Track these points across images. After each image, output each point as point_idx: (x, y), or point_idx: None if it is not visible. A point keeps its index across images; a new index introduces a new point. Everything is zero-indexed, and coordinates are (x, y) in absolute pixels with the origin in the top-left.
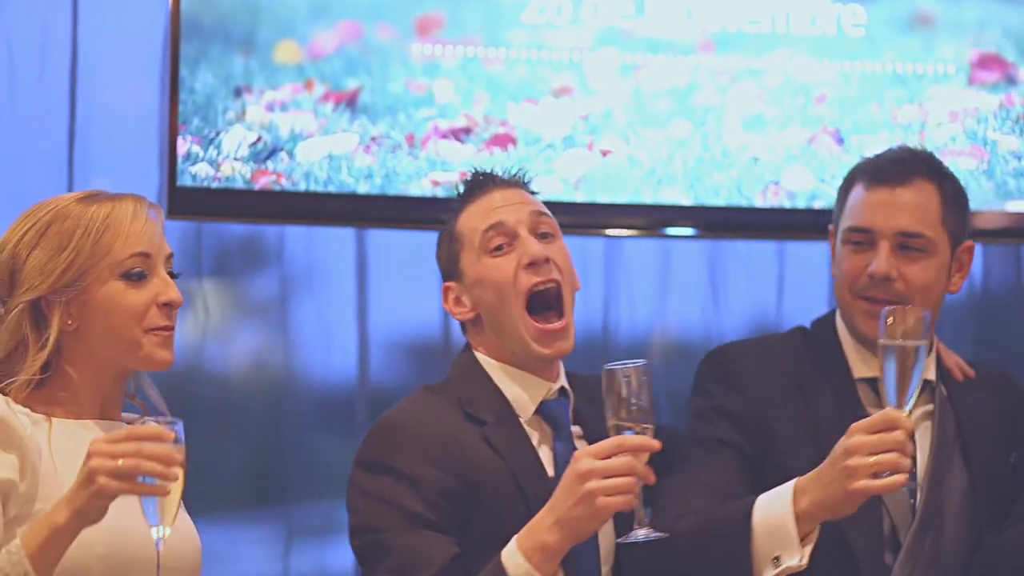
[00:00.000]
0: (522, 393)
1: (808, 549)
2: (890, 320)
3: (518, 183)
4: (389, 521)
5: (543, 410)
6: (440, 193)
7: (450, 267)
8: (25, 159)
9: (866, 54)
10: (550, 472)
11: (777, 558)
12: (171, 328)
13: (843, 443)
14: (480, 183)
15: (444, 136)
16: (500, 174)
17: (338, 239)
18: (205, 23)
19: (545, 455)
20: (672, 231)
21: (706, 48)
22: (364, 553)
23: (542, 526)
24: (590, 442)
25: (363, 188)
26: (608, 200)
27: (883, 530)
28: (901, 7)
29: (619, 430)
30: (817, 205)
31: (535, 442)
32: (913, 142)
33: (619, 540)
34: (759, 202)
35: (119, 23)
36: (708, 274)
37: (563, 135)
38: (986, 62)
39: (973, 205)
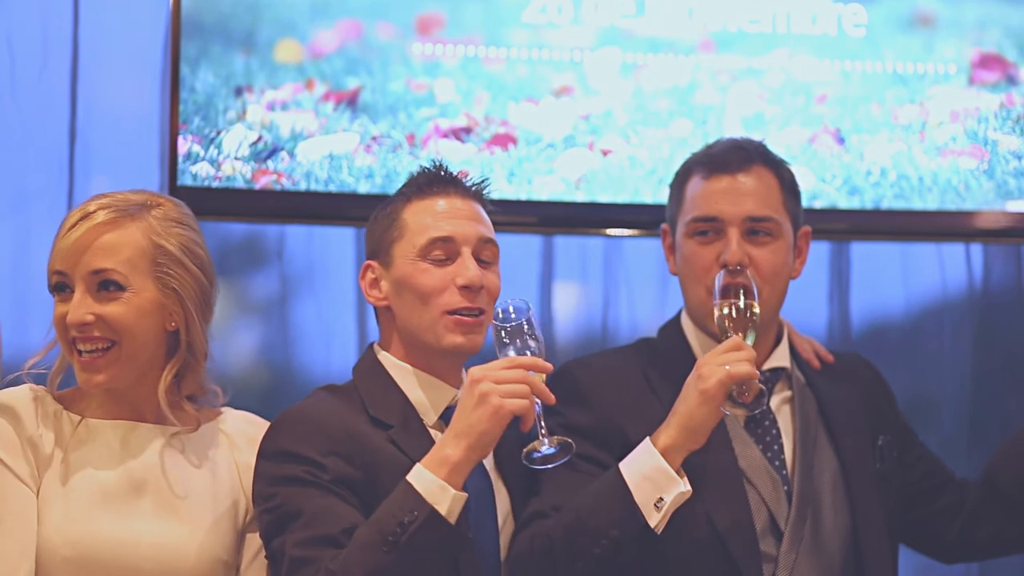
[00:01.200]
0: (425, 398)
1: (685, 479)
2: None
3: (478, 196)
4: (298, 495)
5: (447, 415)
6: None
7: (379, 248)
8: (26, 158)
9: (867, 54)
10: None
11: (660, 499)
12: (87, 349)
13: (693, 373)
14: (441, 181)
15: (445, 136)
16: (463, 180)
17: (338, 239)
18: (206, 22)
19: None
20: None
21: (707, 47)
22: (274, 527)
23: (444, 443)
24: (498, 449)
25: (364, 188)
26: (609, 200)
27: (762, 518)
28: (902, 7)
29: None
30: (817, 205)
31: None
32: (914, 141)
33: (525, 451)
34: None
35: (120, 22)
36: None
37: (564, 135)
38: (987, 62)
39: (974, 205)
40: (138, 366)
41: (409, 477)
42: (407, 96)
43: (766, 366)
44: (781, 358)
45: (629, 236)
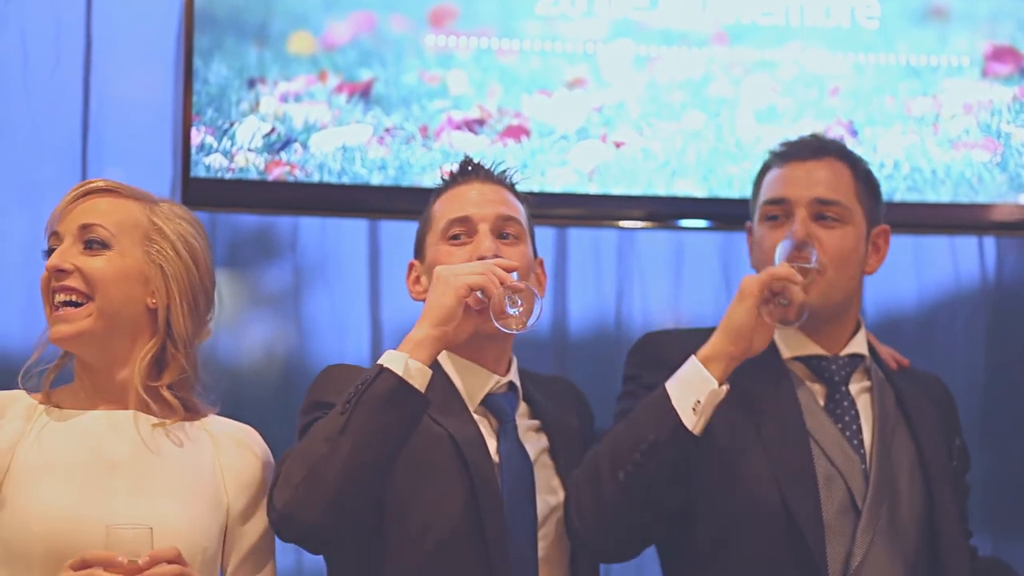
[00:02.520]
0: (469, 384)
1: (724, 386)
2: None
3: (501, 181)
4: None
5: (488, 402)
6: None
7: (418, 246)
8: (39, 150)
9: (880, 46)
10: (494, 459)
11: (697, 402)
12: (61, 300)
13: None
14: (465, 173)
15: (458, 127)
16: (489, 168)
17: (351, 230)
18: (219, 14)
19: (490, 446)
20: (685, 223)
21: (720, 40)
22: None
23: (415, 332)
24: (549, 435)
25: (376, 179)
26: (621, 192)
27: (840, 494)
28: None
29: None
30: None
31: (474, 434)
32: (927, 134)
33: (495, 324)
34: None
35: (133, 14)
36: (721, 266)
37: (577, 127)
38: (1000, 54)
39: (987, 197)
40: (111, 336)
41: (380, 360)
42: (420, 88)
43: (844, 351)
44: (859, 345)
45: (642, 228)
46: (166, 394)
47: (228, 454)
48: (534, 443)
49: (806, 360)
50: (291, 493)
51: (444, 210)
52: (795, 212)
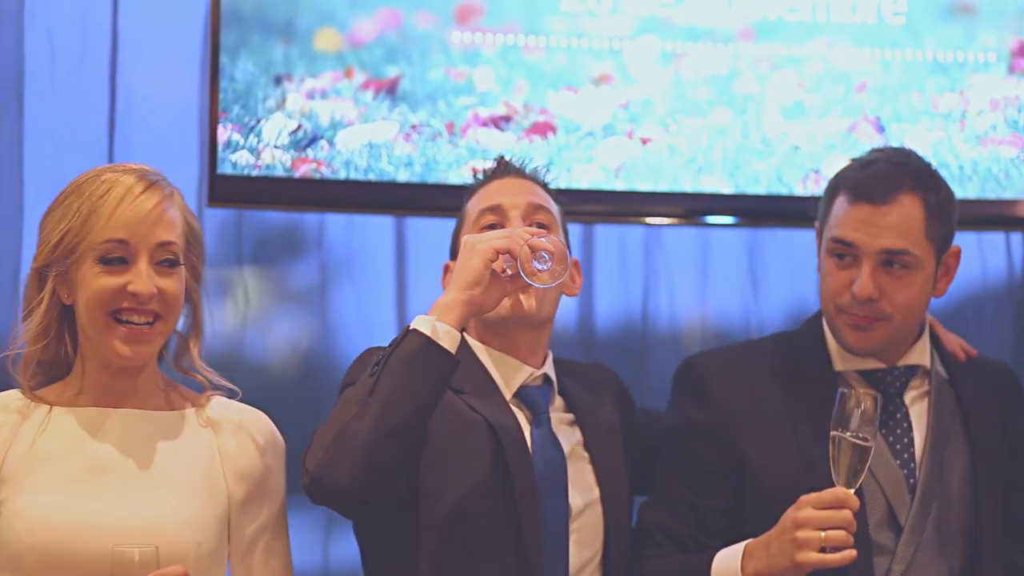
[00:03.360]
0: (504, 374)
1: None
2: (845, 405)
3: (533, 177)
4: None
5: (521, 394)
6: None
7: (454, 245)
8: (65, 148)
9: (907, 42)
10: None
11: None
12: (140, 321)
13: (792, 514)
14: (498, 170)
15: (484, 124)
16: (521, 166)
17: (378, 227)
18: (245, 11)
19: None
20: (712, 219)
21: (746, 36)
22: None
23: (443, 300)
24: (583, 429)
25: (403, 176)
26: (648, 188)
27: (879, 509)
28: None
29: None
30: None
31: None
32: (954, 130)
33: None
34: (799, 190)
35: (159, 11)
36: (748, 262)
37: (603, 123)
38: None
39: (1014, 194)
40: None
41: (412, 324)
42: (446, 84)
43: (901, 362)
44: (919, 355)
45: (669, 225)
46: (179, 386)
47: (227, 441)
48: (568, 437)
49: (861, 373)
50: (322, 454)
51: (476, 204)
52: (862, 261)
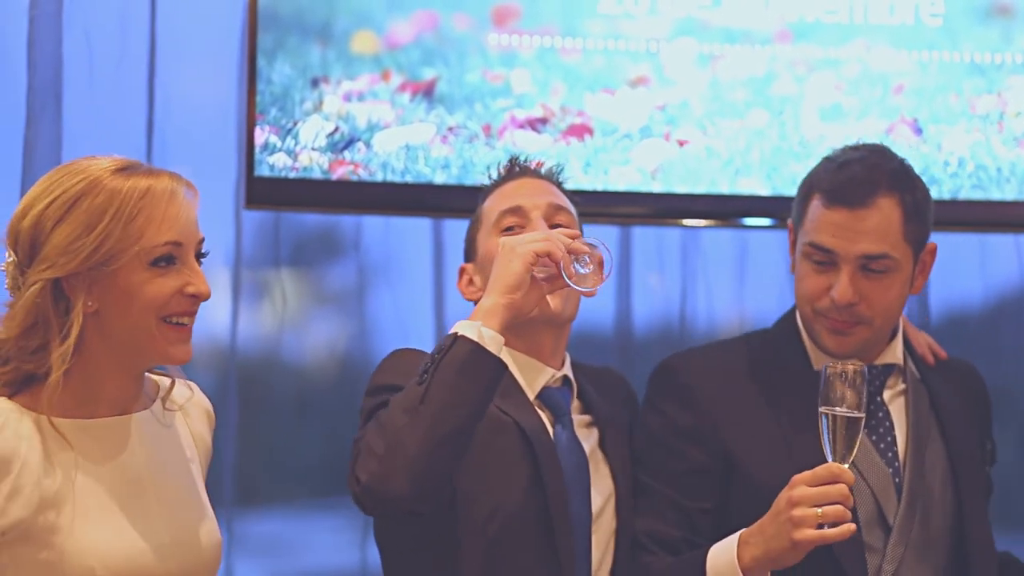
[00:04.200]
0: (527, 376)
1: None
2: (832, 379)
3: (549, 177)
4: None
5: (544, 395)
6: None
7: (469, 248)
8: (103, 150)
9: (944, 44)
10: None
11: None
12: (190, 321)
13: (786, 494)
14: (512, 171)
15: (521, 126)
16: (534, 167)
17: (415, 229)
18: (282, 14)
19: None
20: (749, 221)
21: (783, 38)
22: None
23: (484, 305)
24: (600, 429)
25: (440, 178)
26: (685, 190)
27: (868, 509)
28: None
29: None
30: None
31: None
32: (992, 132)
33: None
34: None
35: (197, 14)
36: (785, 264)
37: (640, 125)
38: None
39: None
40: None
41: (458, 327)
42: (483, 87)
43: (878, 361)
44: (894, 355)
45: (706, 227)
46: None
47: (195, 422)
48: (586, 438)
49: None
50: (375, 465)
51: (494, 205)
52: (840, 267)
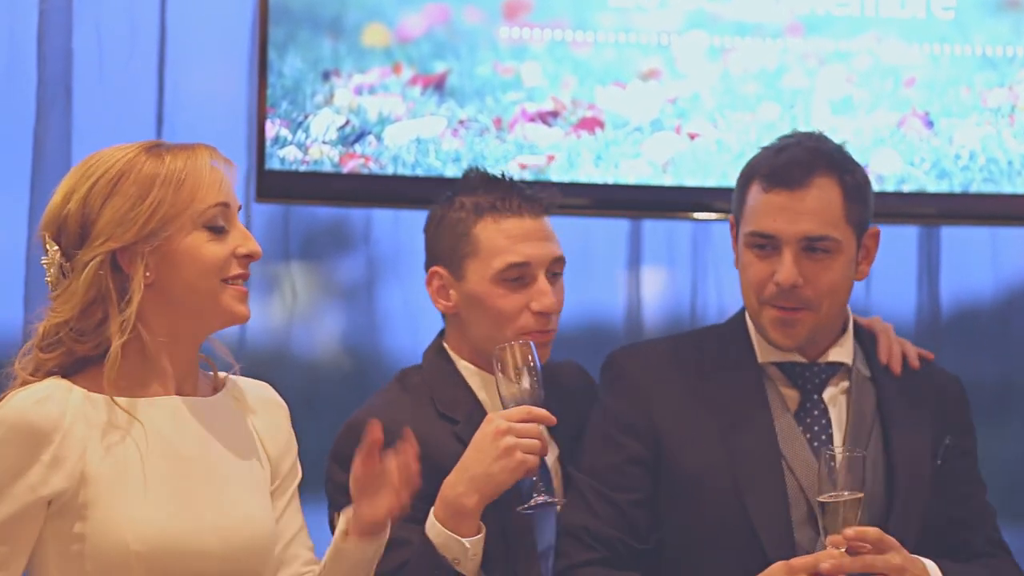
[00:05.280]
0: (489, 396)
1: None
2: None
3: (547, 212)
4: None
5: None
6: (528, 176)
7: (448, 258)
8: (113, 143)
9: (955, 37)
10: None
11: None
12: (246, 280)
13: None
14: (514, 204)
15: (532, 119)
16: (532, 196)
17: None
18: (293, 7)
19: None
20: None
21: (794, 31)
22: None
23: (455, 490)
24: (559, 443)
25: (451, 171)
26: (696, 183)
27: (801, 509)
28: None
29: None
30: (906, 188)
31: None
32: (1003, 125)
33: (518, 509)
34: None
35: (207, 7)
36: None
37: (651, 118)
38: None
39: None
40: None
41: (426, 530)
42: (494, 80)
43: (823, 359)
44: (841, 354)
45: (717, 220)
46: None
47: (258, 417)
48: (551, 450)
49: (781, 365)
50: None
51: (496, 246)
52: (782, 250)
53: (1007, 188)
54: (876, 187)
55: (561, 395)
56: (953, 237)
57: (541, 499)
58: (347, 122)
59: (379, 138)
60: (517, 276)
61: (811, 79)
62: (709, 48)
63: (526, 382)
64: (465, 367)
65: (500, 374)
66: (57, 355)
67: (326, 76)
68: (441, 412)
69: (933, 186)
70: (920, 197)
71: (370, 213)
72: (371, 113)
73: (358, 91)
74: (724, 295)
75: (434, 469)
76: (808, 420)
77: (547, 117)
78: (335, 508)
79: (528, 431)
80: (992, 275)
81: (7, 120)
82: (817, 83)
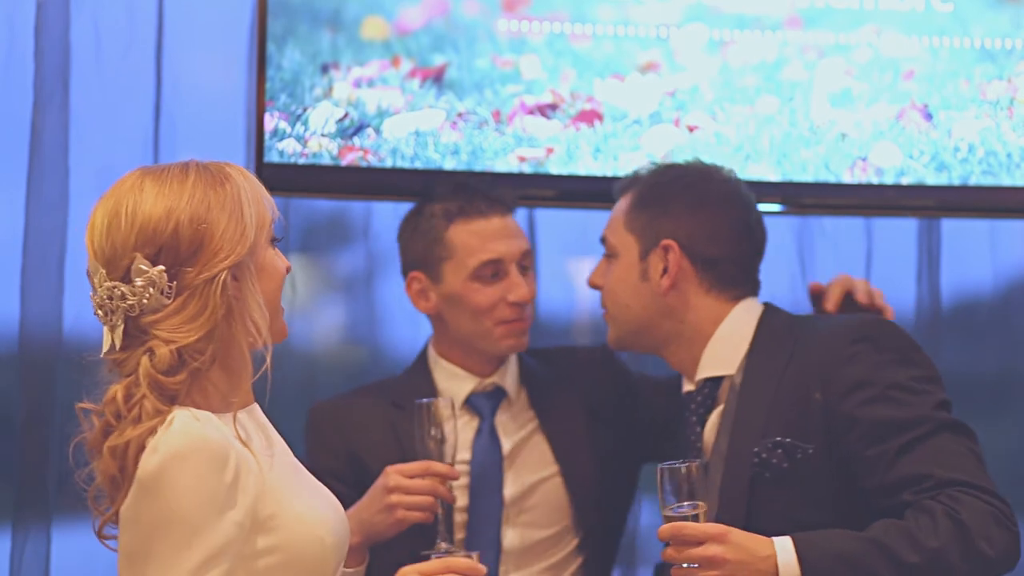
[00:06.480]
0: (451, 386)
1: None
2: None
3: (512, 208)
4: None
5: (471, 400)
6: (527, 169)
7: (424, 262)
8: (110, 136)
9: (955, 29)
10: (465, 456)
11: None
12: None
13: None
14: (481, 202)
15: (530, 112)
16: (499, 197)
17: None
18: (292, 0)
19: (466, 443)
20: (760, 207)
21: (793, 23)
22: None
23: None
24: (552, 436)
25: (449, 164)
26: None
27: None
28: None
29: None
30: (905, 181)
31: (459, 429)
32: (1002, 118)
33: (422, 553)
34: (847, 178)
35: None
36: (796, 250)
37: (650, 111)
38: None
39: None
40: None
41: None
42: (493, 73)
43: (699, 376)
44: (710, 367)
45: None
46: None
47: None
48: (521, 427)
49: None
50: None
51: (469, 244)
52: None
53: (1006, 180)
54: (875, 180)
55: (567, 370)
56: (952, 230)
57: (444, 547)
58: (346, 115)
59: (378, 131)
60: (492, 272)
61: (810, 72)
62: (708, 41)
63: (436, 437)
64: (435, 360)
65: (416, 427)
66: (183, 378)
67: (325, 69)
68: (395, 402)
69: (932, 179)
70: (919, 190)
71: (370, 206)
72: (370, 106)
73: (357, 84)
74: None
75: (354, 457)
76: (692, 452)
77: (546, 110)
78: None
79: (418, 488)
80: (991, 268)
81: (4, 112)
82: (816, 76)
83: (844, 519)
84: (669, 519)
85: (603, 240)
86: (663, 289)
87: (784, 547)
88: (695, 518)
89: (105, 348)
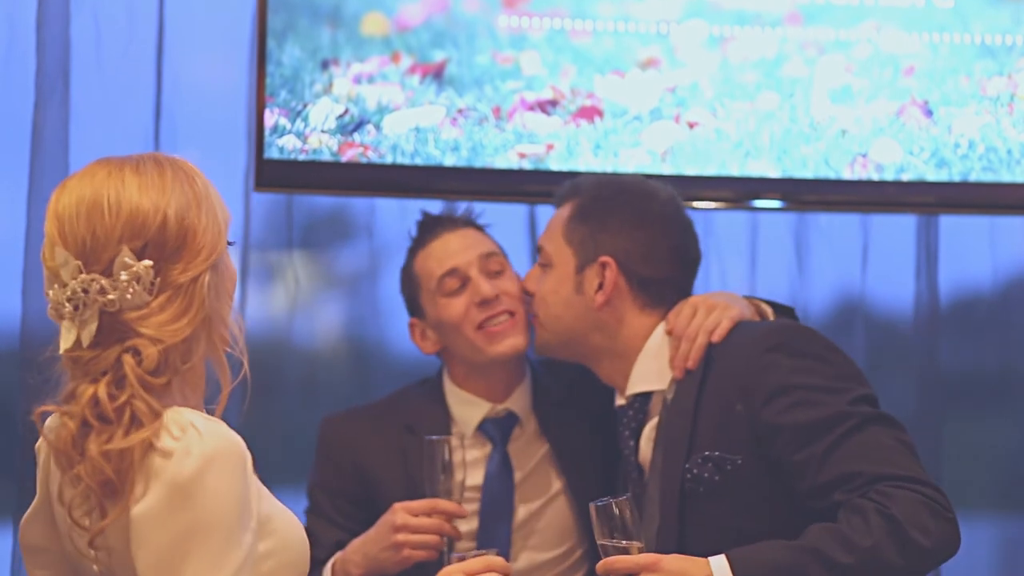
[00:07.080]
0: (464, 413)
1: None
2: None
3: (467, 222)
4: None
5: (483, 427)
6: (527, 165)
7: (412, 305)
8: (111, 132)
9: (955, 25)
10: (477, 481)
11: None
12: None
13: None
14: (430, 227)
15: (531, 108)
16: (450, 216)
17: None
18: None
19: (479, 469)
20: (760, 203)
21: (794, 20)
22: None
23: (351, 556)
24: (561, 456)
25: (449, 160)
26: (695, 172)
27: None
28: None
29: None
30: (905, 177)
31: (472, 457)
32: (1002, 114)
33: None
34: (847, 174)
35: None
36: (795, 246)
37: (650, 107)
38: None
39: None
40: None
41: (324, 571)
42: (493, 69)
43: (629, 391)
44: (640, 382)
45: (716, 209)
46: None
47: None
48: (535, 452)
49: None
50: None
51: (428, 268)
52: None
53: (1006, 177)
54: (875, 176)
55: (577, 382)
56: (952, 226)
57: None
58: (346, 111)
59: (378, 127)
60: (457, 284)
61: (810, 68)
62: (708, 37)
63: (444, 475)
64: (452, 389)
65: (426, 463)
66: (166, 379)
67: (325, 65)
68: (407, 425)
69: (932, 175)
70: (919, 186)
71: (372, 202)
72: (370, 102)
73: (357, 80)
74: (726, 283)
75: (362, 475)
76: (627, 468)
77: (546, 106)
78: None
79: (425, 526)
80: (991, 264)
81: (5, 109)
82: (816, 72)
83: (782, 525)
84: (604, 548)
85: (539, 248)
86: (597, 304)
87: (719, 565)
88: (627, 550)
89: (66, 345)
